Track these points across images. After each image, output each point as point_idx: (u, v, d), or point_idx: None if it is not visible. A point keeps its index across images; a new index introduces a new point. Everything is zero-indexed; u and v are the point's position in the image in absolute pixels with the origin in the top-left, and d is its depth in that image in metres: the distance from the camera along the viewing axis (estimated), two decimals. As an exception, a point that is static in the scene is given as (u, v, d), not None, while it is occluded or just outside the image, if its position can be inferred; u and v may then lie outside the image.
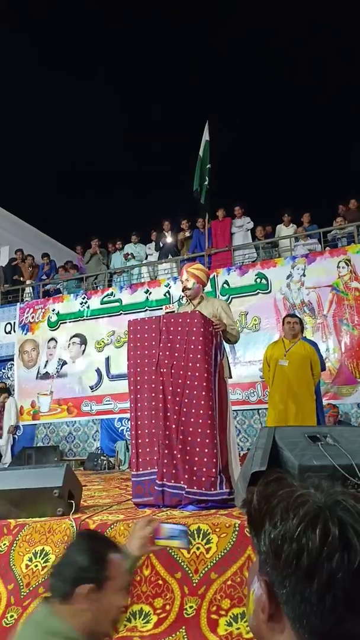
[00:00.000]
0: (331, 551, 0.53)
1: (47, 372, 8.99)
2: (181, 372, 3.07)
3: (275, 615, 0.58)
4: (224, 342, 3.68)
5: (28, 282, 10.45)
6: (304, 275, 7.42)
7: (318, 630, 0.54)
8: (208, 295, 4.76)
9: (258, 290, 7.68)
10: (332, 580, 0.52)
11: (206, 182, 8.14)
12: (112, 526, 2.46)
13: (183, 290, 3.85)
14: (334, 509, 0.56)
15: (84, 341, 8.85)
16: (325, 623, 0.54)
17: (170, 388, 3.06)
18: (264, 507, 0.59)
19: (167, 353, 3.14)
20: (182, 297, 4.02)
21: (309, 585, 0.53)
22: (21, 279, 10.51)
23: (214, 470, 2.85)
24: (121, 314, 8.56)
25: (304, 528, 0.55)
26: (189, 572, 2.22)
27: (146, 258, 9.64)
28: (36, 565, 2.44)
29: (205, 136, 8.35)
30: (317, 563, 0.53)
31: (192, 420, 2.98)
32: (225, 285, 7.91)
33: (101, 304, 8.89)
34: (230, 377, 3.75)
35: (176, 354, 3.13)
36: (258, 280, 7.71)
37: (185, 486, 2.85)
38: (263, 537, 0.58)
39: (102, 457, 7.39)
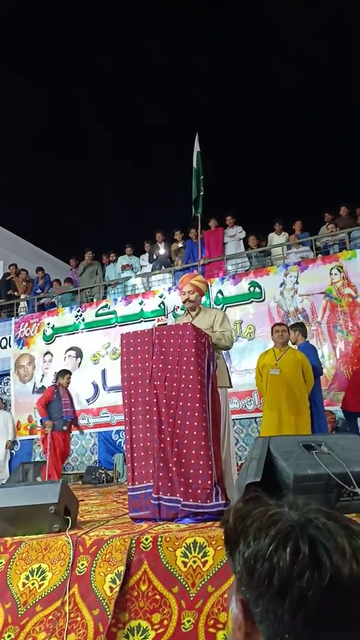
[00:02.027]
0: (302, 569, 0.53)
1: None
2: (174, 385, 3.08)
3: (251, 634, 0.58)
4: (221, 351, 3.68)
5: (22, 296, 10.46)
6: (297, 282, 7.46)
7: None
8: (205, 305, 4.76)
9: (252, 299, 7.71)
10: (303, 598, 0.53)
11: (202, 193, 8.20)
12: (108, 541, 2.45)
13: (184, 302, 3.81)
14: (306, 527, 0.57)
15: (79, 354, 8.84)
16: None
17: (164, 400, 3.06)
18: (239, 526, 0.60)
19: (160, 366, 3.15)
20: (177, 307, 4.01)
21: (281, 604, 0.54)
22: (15, 293, 10.52)
23: (209, 482, 2.84)
24: (116, 325, 8.57)
25: (275, 547, 0.55)
26: (186, 586, 2.21)
27: (140, 269, 9.68)
28: (33, 584, 2.43)
29: (196, 147, 8.42)
30: (288, 581, 0.53)
31: (186, 432, 2.98)
32: (219, 294, 7.94)
33: (96, 316, 8.90)
34: (231, 386, 3.74)
35: (169, 367, 3.14)
36: (251, 289, 7.75)
37: (181, 499, 2.85)
38: (237, 557, 0.59)
39: (100, 471, 7.35)
